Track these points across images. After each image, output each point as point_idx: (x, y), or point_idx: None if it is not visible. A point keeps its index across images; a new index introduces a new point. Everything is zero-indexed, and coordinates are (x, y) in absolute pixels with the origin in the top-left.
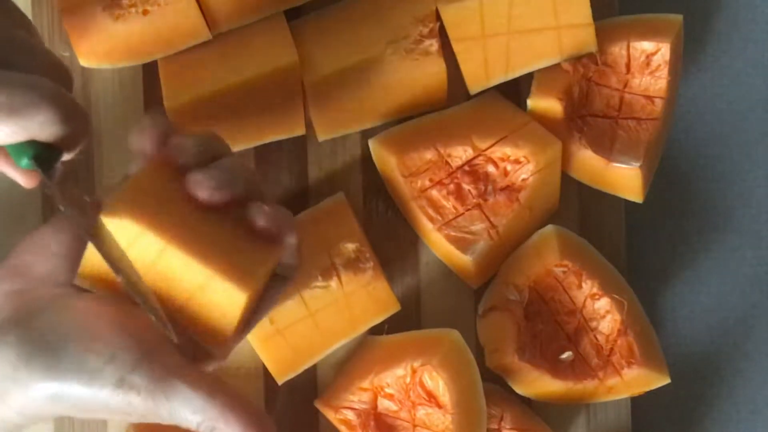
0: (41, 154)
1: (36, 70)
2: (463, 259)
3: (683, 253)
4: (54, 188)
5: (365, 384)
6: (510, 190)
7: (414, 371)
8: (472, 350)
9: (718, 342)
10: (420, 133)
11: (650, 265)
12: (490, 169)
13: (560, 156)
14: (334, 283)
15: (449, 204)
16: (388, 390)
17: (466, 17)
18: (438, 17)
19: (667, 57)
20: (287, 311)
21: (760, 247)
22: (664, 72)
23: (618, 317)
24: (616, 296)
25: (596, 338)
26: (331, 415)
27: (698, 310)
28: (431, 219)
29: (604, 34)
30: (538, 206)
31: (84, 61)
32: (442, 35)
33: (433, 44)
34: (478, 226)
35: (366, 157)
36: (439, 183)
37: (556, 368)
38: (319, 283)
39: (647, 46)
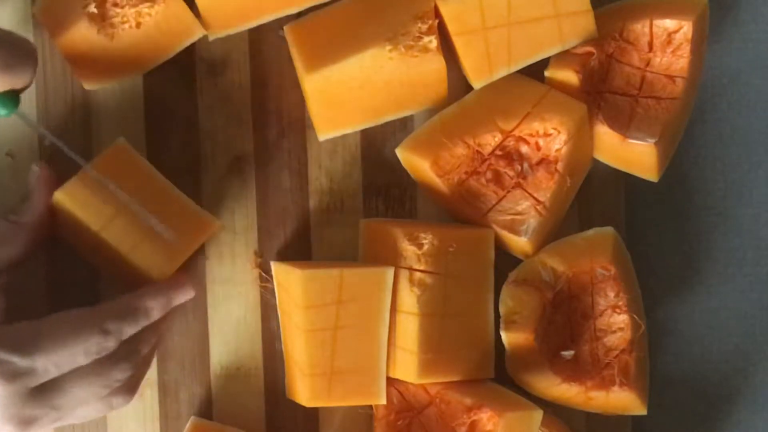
0: (15, 100)
1: None
2: (517, 241)
3: (683, 253)
4: (41, 128)
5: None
6: (546, 162)
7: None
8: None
9: (718, 342)
10: (444, 131)
11: (650, 266)
12: (522, 147)
13: (587, 117)
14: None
15: (489, 190)
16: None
17: (466, 10)
18: (437, 14)
19: (689, 35)
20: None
21: (760, 247)
22: (686, 51)
23: (628, 336)
24: (636, 317)
25: (597, 349)
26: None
27: (698, 310)
28: (475, 209)
29: (627, 12)
30: (577, 170)
31: (88, 85)
32: (441, 32)
33: (432, 41)
34: (524, 205)
35: (366, 157)
36: (475, 172)
37: (554, 361)
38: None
39: (669, 24)
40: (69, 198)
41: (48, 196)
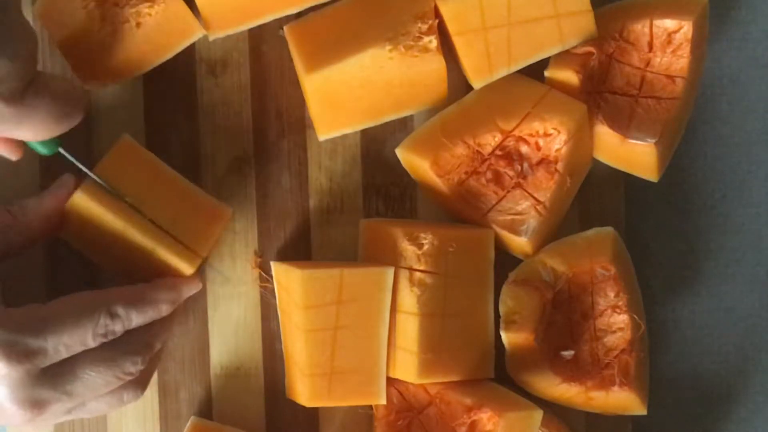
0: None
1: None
2: (517, 241)
3: (683, 253)
4: (73, 158)
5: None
6: (546, 162)
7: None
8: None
9: (718, 342)
10: (444, 131)
11: (650, 266)
12: (522, 147)
13: (587, 117)
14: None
15: (489, 191)
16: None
17: (466, 10)
18: (437, 14)
19: (689, 35)
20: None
21: (760, 248)
22: (686, 50)
23: (628, 336)
24: (636, 317)
25: (597, 349)
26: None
27: (698, 310)
28: (475, 209)
29: (627, 12)
30: (577, 170)
31: (88, 85)
32: (441, 32)
33: (432, 41)
34: (524, 205)
35: (366, 157)
36: (475, 172)
37: (554, 361)
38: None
39: (669, 24)
40: (89, 197)
41: (62, 199)
